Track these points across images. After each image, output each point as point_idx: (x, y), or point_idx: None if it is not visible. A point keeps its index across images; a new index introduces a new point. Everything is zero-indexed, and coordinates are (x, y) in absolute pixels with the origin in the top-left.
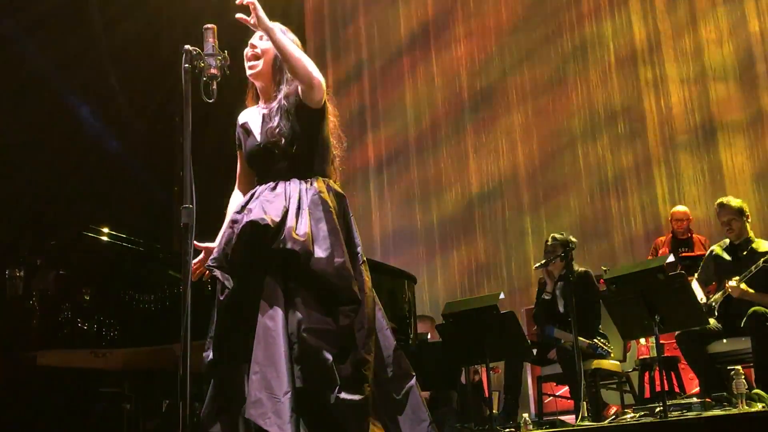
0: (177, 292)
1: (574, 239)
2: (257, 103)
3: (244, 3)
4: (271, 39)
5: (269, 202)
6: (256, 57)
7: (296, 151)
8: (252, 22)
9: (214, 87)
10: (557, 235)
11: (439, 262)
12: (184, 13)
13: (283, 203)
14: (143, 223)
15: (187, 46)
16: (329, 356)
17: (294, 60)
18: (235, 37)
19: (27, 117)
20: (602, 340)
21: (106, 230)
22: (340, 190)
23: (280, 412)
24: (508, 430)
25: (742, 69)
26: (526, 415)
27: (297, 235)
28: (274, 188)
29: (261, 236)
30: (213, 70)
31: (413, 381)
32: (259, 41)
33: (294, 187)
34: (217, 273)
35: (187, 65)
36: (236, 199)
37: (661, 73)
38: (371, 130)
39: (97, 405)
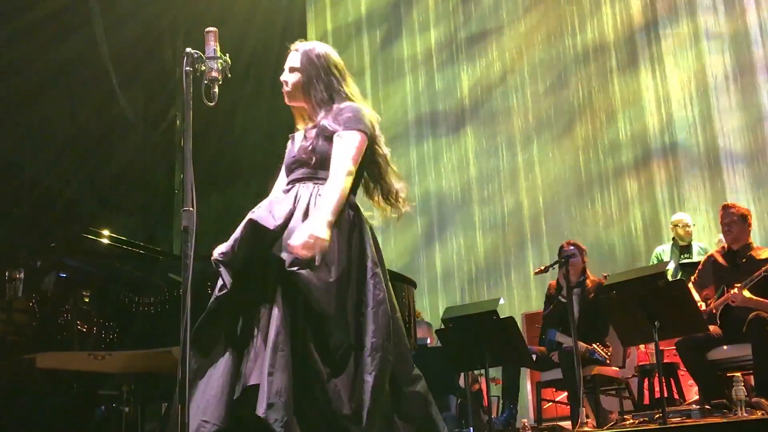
0: (177, 295)
1: (583, 246)
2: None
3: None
4: (332, 215)
5: (278, 203)
6: (287, 86)
7: (322, 163)
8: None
9: (215, 90)
10: (572, 241)
11: (438, 268)
12: (186, 16)
13: (290, 206)
14: (144, 226)
15: (188, 49)
16: (324, 377)
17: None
18: (236, 40)
19: (28, 119)
20: (601, 347)
21: (106, 233)
22: (354, 201)
23: (291, 424)
24: None
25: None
26: (525, 420)
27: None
28: (287, 191)
29: (261, 237)
30: (214, 73)
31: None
32: (286, 75)
33: (305, 190)
34: (222, 269)
35: (188, 68)
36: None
37: (663, 81)
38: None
39: (96, 408)
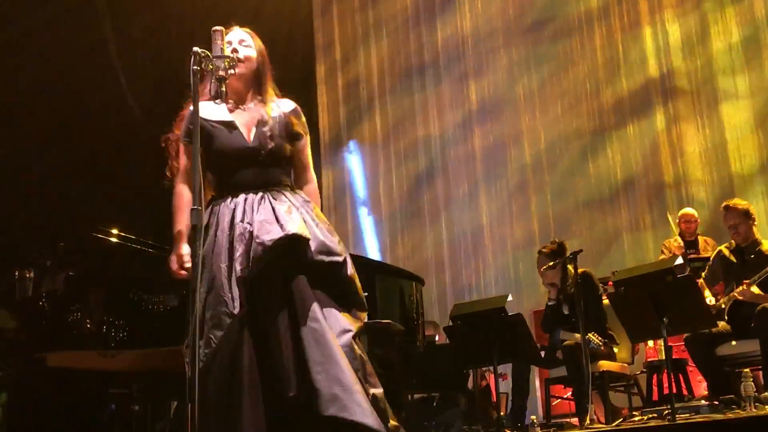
0: (186, 293)
1: (562, 242)
2: (213, 99)
3: None
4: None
5: (289, 214)
6: (240, 60)
7: (285, 165)
8: None
9: (223, 89)
10: (543, 249)
11: (447, 265)
12: (194, 14)
13: (299, 216)
14: (152, 224)
15: (196, 48)
16: (365, 356)
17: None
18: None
19: (37, 118)
20: (596, 336)
21: (115, 231)
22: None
23: (360, 402)
24: None
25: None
26: (533, 417)
27: (331, 245)
28: (275, 199)
29: (301, 250)
30: (221, 72)
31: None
32: (241, 47)
33: (294, 199)
34: (241, 289)
35: (195, 67)
36: (185, 195)
37: (670, 73)
38: (382, 139)
39: (105, 406)
